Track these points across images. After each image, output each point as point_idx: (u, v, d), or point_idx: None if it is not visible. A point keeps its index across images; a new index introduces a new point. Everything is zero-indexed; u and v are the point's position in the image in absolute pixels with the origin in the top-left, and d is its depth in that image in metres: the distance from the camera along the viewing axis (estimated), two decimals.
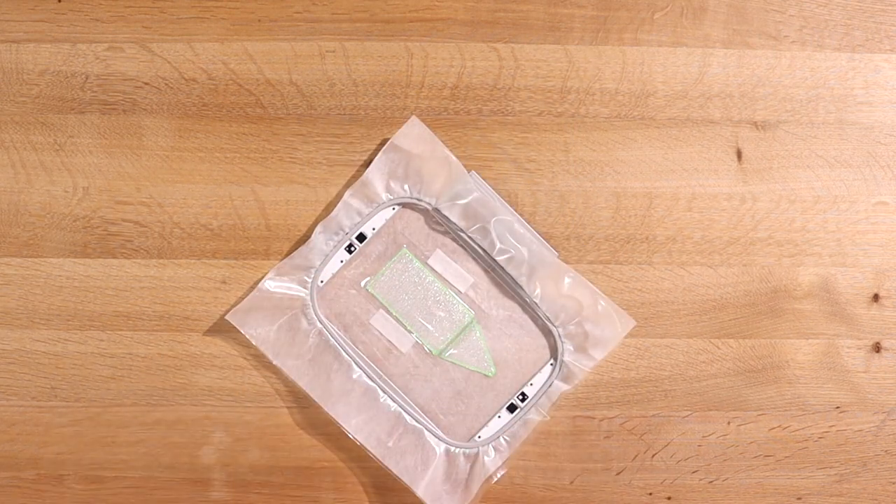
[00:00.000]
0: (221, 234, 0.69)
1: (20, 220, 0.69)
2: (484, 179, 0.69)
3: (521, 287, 0.68)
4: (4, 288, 0.68)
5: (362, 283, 0.69)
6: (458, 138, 0.70)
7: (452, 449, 0.67)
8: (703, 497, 0.70)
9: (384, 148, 0.68)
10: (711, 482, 0.69)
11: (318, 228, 0.68)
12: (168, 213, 0.69)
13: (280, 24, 0.70)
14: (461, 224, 0.68)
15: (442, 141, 0.69)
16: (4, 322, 0.68)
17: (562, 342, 0.68)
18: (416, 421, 0.68)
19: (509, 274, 0.68)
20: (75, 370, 0.68)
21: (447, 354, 0.69)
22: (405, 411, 0.68)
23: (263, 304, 0.67)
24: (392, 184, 0.68)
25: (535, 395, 0.68)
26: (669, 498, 0.70)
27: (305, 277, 0.68)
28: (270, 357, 0.67)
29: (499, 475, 0.68)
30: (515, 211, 0.69)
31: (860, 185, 0.70)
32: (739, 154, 0.70)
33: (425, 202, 0.69)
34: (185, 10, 0.69)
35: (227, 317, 0.67)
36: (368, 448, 0.67)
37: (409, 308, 0.69)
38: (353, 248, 0.69)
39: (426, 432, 0.67)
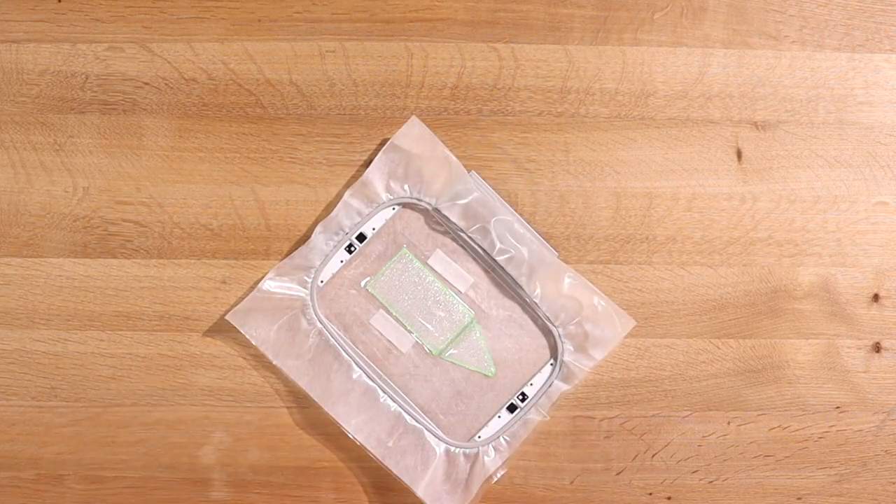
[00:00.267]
0: (221, 234, 0.69)
1: (20, 220, 0.69)
2: (484, 179, 0.69)
3: (521, 287, 0.68)
4: (4, 288, 0.68)
5: (362, 283, 0.69)
6: (458, 138, 0.70)
7: (452, 449, 0.67)
8: (703, 497, 0.70)
9: (384, 148, 0.68)
10: (711, 482, 0.69)
11: (318, 228, 0.68)
12: (168, 213, 0.69)
13: (280, 24, 0.70)
14: (461, 224, 0.68)
15: (442, 141, 0.69)
16: (4, 322, 0.68)
17: (562, 342, 0.68)
18: (416, 421, 0.68)
19: (509, 274, 0.68)
20: (75, 370, 0.68)
21: (447, 354, 0.69)
22: (405, 411, 0.68)
23: (263, 305, 0.67)
24: (392, 184, 0.68)
25: (535, 395, 0.68)
26: (669, 498, 0.70)
27: (305, 277, 0.68)
28: (270, 357, 0.67)
29: (499, 475, 0.68)
30: (515, 211, 0.69)
31: (860, 185, 0.70)
32: (739, 154, 0.70)
33: (425, 202, 0.69)
34: (185, 10, 0.69)
35: (227, 317, 0.67)
36: (368, 448, 0.67)
37: (409, 308, 0.69)
38: (353, 249, 0.69)
39: (426, 432, 0.67)
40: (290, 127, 0.69)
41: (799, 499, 0.70)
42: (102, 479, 0.69)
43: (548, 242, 0.69)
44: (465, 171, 0.68)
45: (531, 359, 0.69)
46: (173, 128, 0.69)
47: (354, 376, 0.67)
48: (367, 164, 0.69)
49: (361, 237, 0.69)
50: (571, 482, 0.69)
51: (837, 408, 0.70)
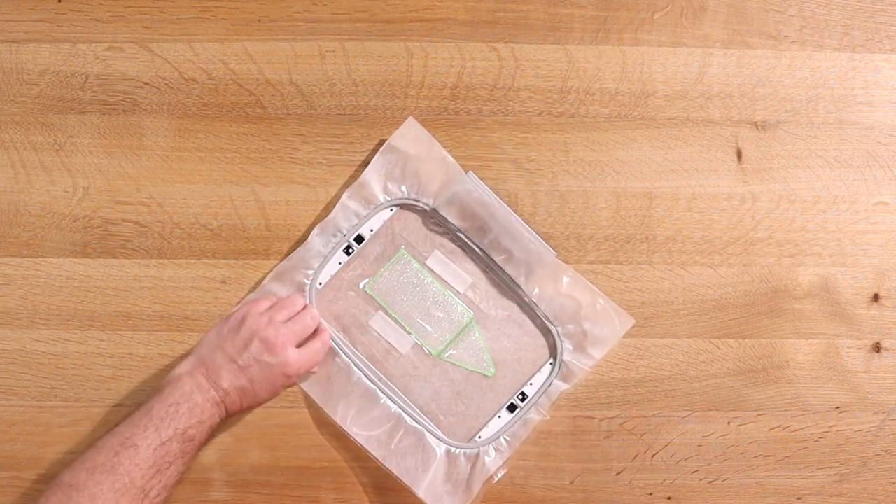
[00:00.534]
0: (221, 234, 0.69)
1: (20, 220, 0.69)
2: (482, 179, 0.69)
3: (519, 287, 0.68)
4: (4, 288, 0.68)
5: (361, 285, 0.69)
6: (458, 138, 0.70)
7: (453, 450, 0.67)
8: (703, 497, 0.70)
9: (381, 149, 0.68)
10: (711, 482, 0.69)
11: (316, 230, 0.68)
12: (168, 213, 0.69)
13: (280, 24, 0.70)
14: (459, 224, 0.68)
15: (441, 141, 0.69)
16: (4, 322, 0.68)
17: (561, 341, 0.68)
18: (417, 422, 0.68)
19: (507, 274, 0.68)
20: (75, 370, 0.68)
21: (446, 355, 0.69)
22: (405, 412, 0.68)
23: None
24: (389, 185, 0.68)
25: (535, 394, 0.68)
26: (669, 498, 0.69)
27: (304, 280, 0.68)
28: None
29: (499, 475, 0.68)
30: (514, 211, 0.69)
31: (860, 185, 0.70)
32: (739, 154, 0.70)
33: (423, 203, 0.69)
34: (185, 10, 0.69)
35: None
36: (369, 450, 0.67)
37: (407, 309, 0.69)
38: (351, 250, 0.69)
39: (427, 433, 0.67)
40: (290, 127, 0.69)
41: (799, 499, 0.70)
42: None
43: (546, 242, 0.69)
44: (463, 172, 0.68)
45: (530, 358, 0.69)
46: (173, 128, 0.69)
47: (354, 378, 0.68)
48: (366, 164, 0.69)
49: (359, 238, 0.69)
50: (571, 482, 0.69)
51: (837, 408, 0.70)
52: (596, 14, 0.70)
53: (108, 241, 0.69)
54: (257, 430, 0.69)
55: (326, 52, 0.70)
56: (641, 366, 0.69)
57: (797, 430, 0.70)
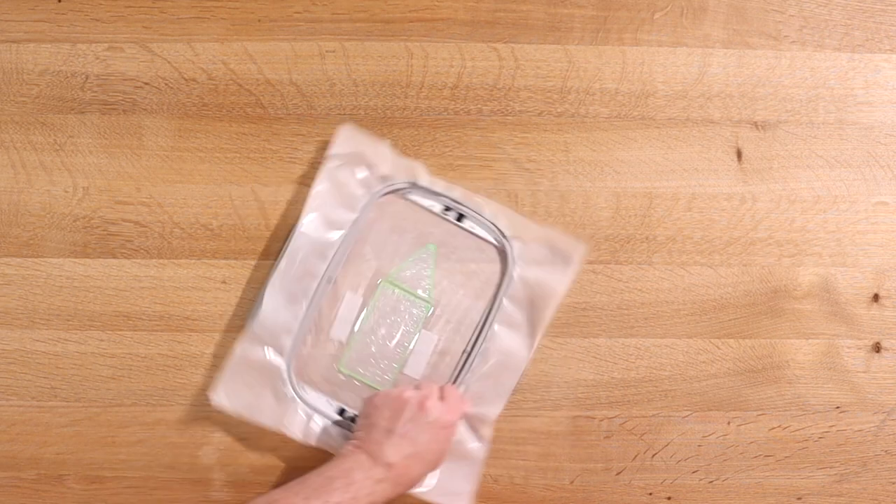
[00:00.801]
0: (221, 234, 0.69)
1: (20, 220, 0.69)
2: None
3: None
4: (4, 288, 0.68)
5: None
6: (458, 138, 0.70)
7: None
8: (703, 497, 0.70)
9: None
10: (711, 482, 0.69)
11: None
12: (168, 213, 0.69)
13: (280, 24, 0.70)
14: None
15: (442, 141, 0.69)
16: (4, 322, 0.68)
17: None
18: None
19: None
20: (75, 370, 0.68)
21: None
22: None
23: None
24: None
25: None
26: (669, 498, 0.69)
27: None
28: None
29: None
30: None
31: (860, 185, 0.70)
32: (739, 154, 0.70)
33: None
34: (185, 10, 0.69)
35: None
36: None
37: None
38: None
39: None
40: (290, 127, 0.69)
41: (799, 499, 0.70)
42: (102, 478, 0.69)
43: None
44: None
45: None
46: (173, 128, 0.69)
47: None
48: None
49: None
50: (571, 482, 0.69)
51: (837, 408, 0.70)
52: (596, 14, 0.70)
53: (108, 241, 0.69)
54: (257, 430, 0.68)
55: (326, 52, 0.70)
56: (641, 366, 0.69)
57: (797, 430, 0.70)
